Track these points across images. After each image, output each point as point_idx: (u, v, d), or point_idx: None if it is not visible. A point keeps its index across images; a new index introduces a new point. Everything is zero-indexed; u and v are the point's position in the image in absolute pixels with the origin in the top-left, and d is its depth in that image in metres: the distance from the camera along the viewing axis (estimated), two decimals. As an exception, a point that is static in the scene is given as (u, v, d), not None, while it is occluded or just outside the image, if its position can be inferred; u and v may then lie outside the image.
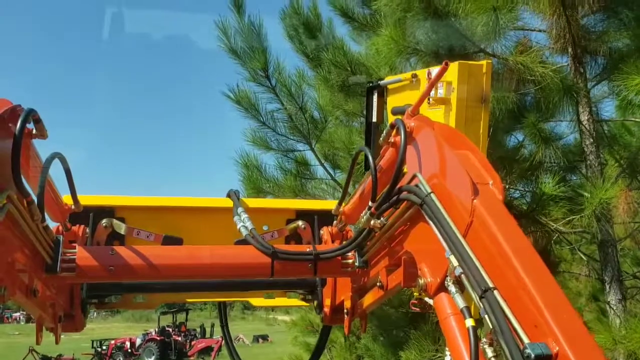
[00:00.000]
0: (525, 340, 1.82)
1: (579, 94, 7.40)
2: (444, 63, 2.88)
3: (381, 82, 3.99)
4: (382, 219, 2.83)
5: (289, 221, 3.90)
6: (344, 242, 3.39)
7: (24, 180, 2.41)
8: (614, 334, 6.58)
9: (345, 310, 3.68)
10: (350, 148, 8.91)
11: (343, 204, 3.56)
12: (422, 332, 8.24)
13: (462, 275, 2.11)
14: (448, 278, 2.24)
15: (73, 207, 3.27)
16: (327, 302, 3.88)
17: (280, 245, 3.46)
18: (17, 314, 68.67)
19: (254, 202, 4.13)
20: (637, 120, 8.54)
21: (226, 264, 3.19)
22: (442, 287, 2.34)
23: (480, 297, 1.99)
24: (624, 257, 10.36)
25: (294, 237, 3.90)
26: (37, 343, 3.27)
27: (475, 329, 2.00)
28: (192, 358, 39.34)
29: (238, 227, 3.28)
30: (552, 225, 7.36)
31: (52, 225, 3.15)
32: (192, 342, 40.54)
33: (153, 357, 38.39)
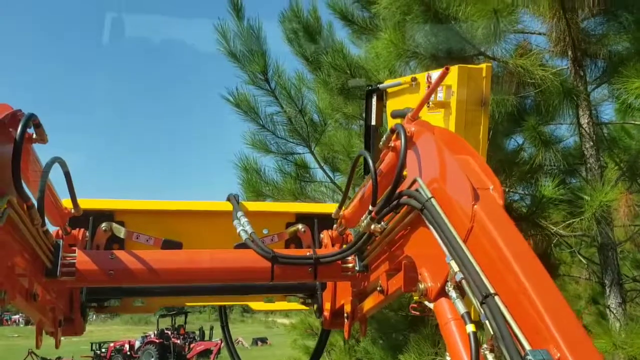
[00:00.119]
0: (527, 346, 1.82)
1: (579, 97, 7.39)
2: (444, 68, 2.88)
3: (380, 86, 3.98)
4: (382, 223, 2.83)
5: (288, 225, 3.90)
6: (344, 246, 3.38)
7: (24, 185, 2.41)
8: (614, 339, 6.56)
9: (345, 315, 3.68)
10: (350, 151, 8.91)
11: (343, 208, 3.56)
12: (421, 335, 8.22)
13: (463, 280, 2.11)
14: (448, 283, 2.24)
15: (73, 211, 3.27)
16: (327, 306, 3.87)
17: (280, 249, 3.46)
18: (17, 316, 68.58)
19: (254, 206, 4.13)
20: (636, 123, 8.53)
21: (226, 268, 3.18)
22: (442, 292, 2.33)
23: (481, 303, 1.98)
24: (623, 260, 10.36)
25: (294, 240, 3.89)
26: (37, 347, 3.27)
27: (476, 334, 1.99)
28: (191, 360, 39.31)
29: (238, 231, 3.27)
30: (552, 229, 7.36)
31: (52, 229, 3.15)
32: (191, 345, 40.44)
33: (152, 360, 38.35)
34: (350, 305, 3.60)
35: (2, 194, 2.29)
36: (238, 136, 9.94)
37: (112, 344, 40.73)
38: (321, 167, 9.85)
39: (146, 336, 41.56)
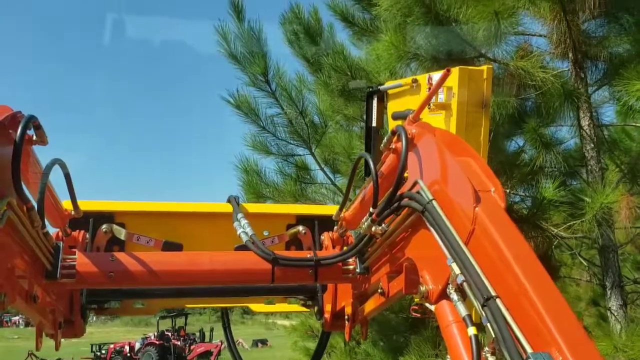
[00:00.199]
0: (528, 349, 1.81)
1: (580, 99, 7.39)
2: (445, 70, 2.88)
3: (381, 87, 3.97)
4: (383, 225, 2.83)
5: (289, 226, 3.89)
6: (345, 248, 3.38)
7: (24, 187, 2.41)
8: (615, 341, 6.55)
9: (346, 317, 3.67)
10: (350, 153, 8.90)
11: (344, 210, 3.55)
12: (422, 337, 8.22)
13: (464, 283, 2.10)
14: (450, 285, 2.23)
15: (73, 212, 3.26)
16: (328, 308, 3.86)
17: (280, 251, 3.45)
18: (17, 317, 68.60)
19: (254, 207, 4.12)
20: (637, 125, 8.53)
21: (226, 270, 3.17)
22: (443, 295, 2.32)
23: (483, 306, 1.98)
24: (623, 262, 10.35)
25: (295, 242, 3.88)
26: (37, 349, 3.26)
27: (477, 337, 1.99)
28: (191, 362, 39.28)
29: (238, 232, 3.27)
30: (553, 230, 7.35)
31: (53, 230, 3.15)
32: (191, 347, 40.41)
33: (152, 361, 38.32)
34: (351, 307, 3.59)
35: (2, 196, 2.29)
36: (238, 138, 9.95)
37: (112, 346, 40.71)
38: (322, 169, 9.85)
39: (146, 338, 41.53)
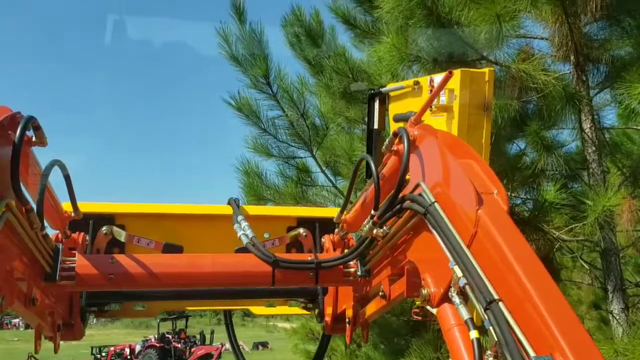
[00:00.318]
0: (531, 352, 1.79)
1: (581, 101, 7.38)
2: (447, 72, 2.86)
3: (383, 89, 3.97)
4: (384, 227, 2.81)
5: (290, 229, 3.88)
6: (346, 251, 3.36)
7: (23, 188, 2.39)
8: (616, 345, 6.53)
9: (346, 319, 3.65)
10: (352, 155, 8.89)
11: (345, 212, 3.53)
12: (423, 340, 8.20)
13: (467, 286, 2.09)
14: (452, 288, 2.21)
15: (73, 214, 3.25)
16: (329, 310, 3.85)
17: (281, 253, 3.44)
18: (17, 320, 68.65)
19: (255, 210, 4.11)
20: (639, 128, 8.52)
21: (227, 272, 3.16)
22: (445, 298, 2.31)
23: (485, 309, 1.96)
24: (625, 265, 10.32)
25: (295, 245, 3.87)
26: (36, 352, 3.25)
27: (479, 340, 1.97)
28: (191, 365, 39.25)
29: (239, 235, 3.25)
30: (554, 233, 7.33)
31: (52, 232, 3.13)
32: (192, 349, 40.43)
33: (152, 364, 38.31)
34: (352, 310, 3.57)
35: (0, 197, 2.27)
36: (239, 140, 9.94)
37: (112, 348, 40.73)
38: (323, 172, 9.84)
39: (147, 340, 41.59)
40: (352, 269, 3.22)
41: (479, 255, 2.13)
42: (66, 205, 3.25)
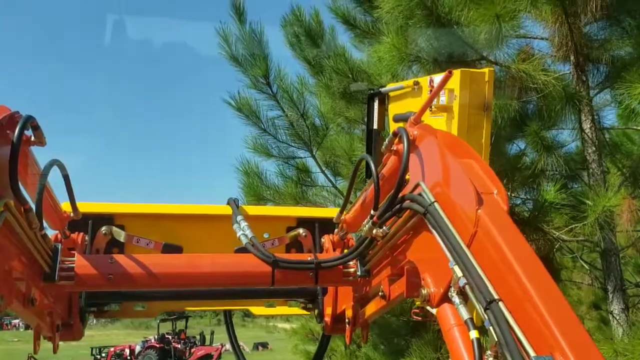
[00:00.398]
0: (531, 352, 1.79)
1: (581, 102, 7.38)
2: (447, 71, 2.86)
3: (382, 90, 3.96)
4: (384, 227, 2.81)
5: (289, 229, 3.87)
6: (346, 251, 3.36)
7: (22, 188, 2.39)
8: (616, 345, 6.53)
9: (346, 320, 3.65)
10: (352, 155, 8.88)
11: (344, 212, 3.53)
12: (423, 340, 8.19)
13: (467, 286, 2.08)
14: (452, 288, 2.21)
15: (72, 214, 3.24)
16: (328, 311, 3.84)
17: (280, 253, 3.43)
18: (17, 320, 68.63)
19: (255, 210, 4.10)
20: (639, 128, 8.52)
21: (226, 272, 3.16)
22: (445, 298, 2.30)
23: (485, 309, 1.95)
24: (625, 266, 10.32)
25: (295, 245, 3.87)
26: (35, 352, 3.24)
27: (479, 340, 1.96)
28: (191, 365, 39.24)
29: (238, 235, 3.25)
30: (554, 233, 7.33)
31: (52, 233, 3.13)
32: (192, 350, 40.42)
33: (152, 365, 38.30)
34: (351, 310, 3.57)
35: None
36: (239, 140, 9.94)
37: (112, 349, 40.72)
38: (323, 172, 9.84)
39: (146, 341, 41.58)
40: (352, 269, 3.22)
41: (479, 255, 2.13)
42: (65, 206, 3.24)
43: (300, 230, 3.80)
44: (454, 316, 2.23)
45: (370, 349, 9.43)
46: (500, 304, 1.94)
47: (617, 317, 7.33)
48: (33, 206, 2.50)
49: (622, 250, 8.51)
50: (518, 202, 8.27)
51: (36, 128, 2.53)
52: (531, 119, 7.54)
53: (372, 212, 2.81)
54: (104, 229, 3.48)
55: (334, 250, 3.62)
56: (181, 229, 3.75)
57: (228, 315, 4.75)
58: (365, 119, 4.17)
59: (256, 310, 4.43)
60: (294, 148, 9.82)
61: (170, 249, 3.40)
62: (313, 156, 9.74)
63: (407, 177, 2.76)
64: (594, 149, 7.48)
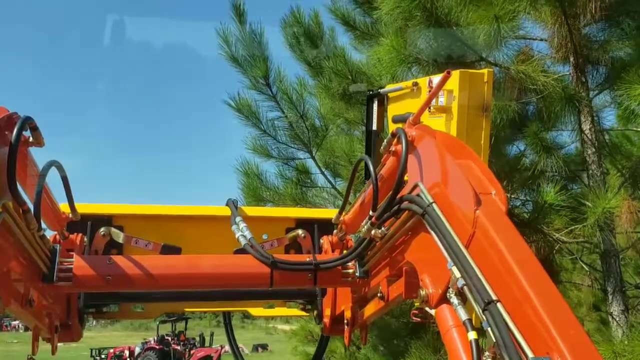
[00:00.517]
0: (529, 354, 1.79)
1: (581, 103, 7.38)
2: (445, 72, 2.86)
3: (382, 91, 3.97)
4: (383, 228, 2.80)
5: (288, 230, 3.87)
6: (345, 252, 3.35)
7: (20, 189, 2.39)
8: (615, 346, 6.52)
9: (345, 321, 3.64)
10: (351, 156, 8.88)
11: (343, 213, 3.53)
12: (422, 342, 8.18)
13: (465, 287, 2.08)
14: (450, 289, 2.20)
15: (70, 215, 3.24)
16: (327, 312, 3.84)
17: (279, 254, 3.43)
18: (16, 322, 68.54)
19: (254, 211, 4.10)
20: (638, 129, 8.51)
21: (225, 273, 3.15)
22: (444, 299, 2.30)
23: (483, 310, 1.95)
24: (625, 267, 10.31)
25: (294, 246, 3.87)
26: (33, 353, 3.23)
27: (477, 342, 1.96)
28: (191, 367, 39.19)
29: (237, 236, 3.25)
30: (554, 235, 7.32)
31: (50, 234, 3.13)
32: (192, 351, 40.34)
33: (152, 366, 38.24)
34: (350, 311, 3.57)
35: None
36: (239, 141, 9.94)
37: (111, 350, 40.67)
38: (322, 173, 9.83)
39: (146, 342, 41.48)
40: (351, 270, 3.22)
41: (477, 255, 2.13)
42: (64, 207, 3.24)
43: (299, 231, 3.81)
44: (453, 317, 2.23)
45: (369, 350, 9.42)
46: (499, 305, 1.94)
47: (617, 319, 7.32)
48: (31, 207, 2.50)
49: (622, 252, 8.50)
50: (518, 204, 8.27)
51: (34, 129, 2.53)
52: (531, 120, 7.55)
53: (370, 212, 2.81)
54: (102, 230, 3.49)
55: (333, 251, 3.62)
56: (180, 230, 3.75)
57: (227, 316, 4.74)
58: (365, 120, 4.17)
59: (255, 311, 4.43)
60: (293, 149, 9.81)
61: (169, 250, 3.40)
62: (313, 157, 9.74)
63: (405, 177, 2.76)
64: (593, 150, 7.47)
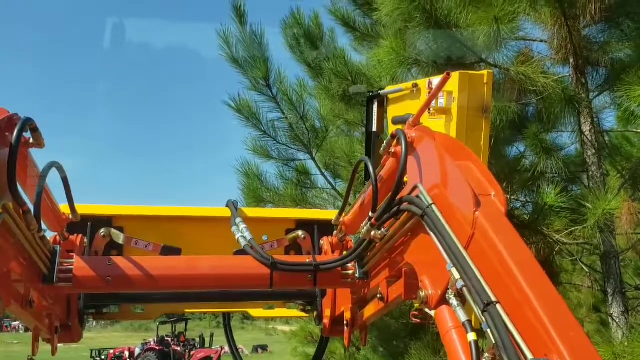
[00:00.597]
0: (529, 355, 1.79)
1: (581, 104, 7.38)
2: (445, 73, 2.86)
3: (382, 92, 3.97)
4: (382, 229, 2.81)
5: (288, 231, 3.87)
6: (344, 253, 3.36)
7: (20, 190, 2.39)
8: (615, 348, 6.51)
9: (345, 322, 3.65)
10: (351, 157, 8.88)
11: (343, 214, 3.53)
12: (422, 343, 8.18)
13: (464, 288, 2.08)
14: (449, 291, 2.20)
15: (71, 216, 3.25)
16: (327, 313, 3.84)
17: (279, 255, 3.43)
18: (16, 322, 68.49)
19: (254, 212, 4.11)
20: (638, 131, 8.51)
21: (225, 274, 3.16)
22: (443, 300, 2.30)
23: (483, 311, 1.95)
24: (625, 269, 10.31)
25: (294, 247, 3.87)
26: (33, 354, 3.24)
27: (477, 343, 1.96)
28: (191, 368, 39.18)
29: (236, 237, 3.25)
30: (554, 236, 7.32)
31: (51, 234, 3.13)
32: (192, 352, 40.33)
33: (152, 367, 38.22)
34: (350, 312, 3.57)
35: None
36: (239, 142, 9.94)
37: (111, 351, 40.66)
38: (322, 174, 9.83)
39: (146, 343, 41.47)
40: (350, 271, 3.22)
41: (477, 257, 2.13)
42: (64, 208, 3.25)
43: (299, 233, 3.81)
44: (452, 318, 2.23)
45: (369, 351, 9.42)
46: (498, 306, 1.94)
47: (617, 320, 7.31)
48: (32, 208, 2.50)
49: (622, 253, 8.50)
50: (518, 205, 8.26)
51: (35, 130, 2.53)
52: (530, 121, 7.55)
53: (370, 214, 2.82)
54: (102, 231, 3.49)
55: (333, 252, 3.63)
56: (180, 231, 3.75)
57: (227, 317, 4.74)
58: (365, 121, 4.17)
59: (255, 312, 4.43)
60: (293, 150, 9.82)
61: (169, 251, 3.40)
62: (313, 158, 9.74)
63: (405, 179, 2.77)
64: (593, 151, 7.47)
